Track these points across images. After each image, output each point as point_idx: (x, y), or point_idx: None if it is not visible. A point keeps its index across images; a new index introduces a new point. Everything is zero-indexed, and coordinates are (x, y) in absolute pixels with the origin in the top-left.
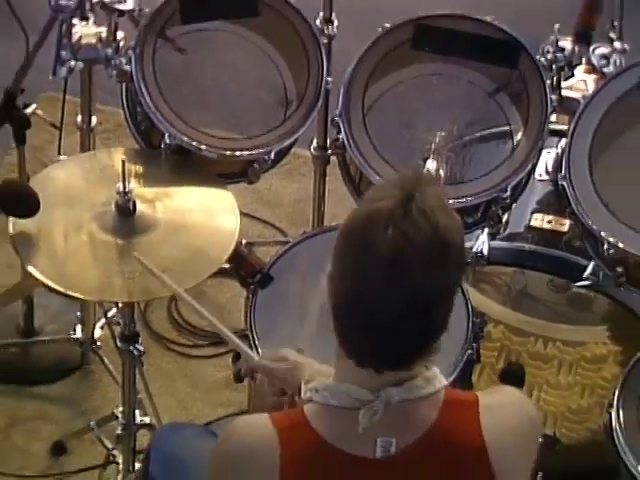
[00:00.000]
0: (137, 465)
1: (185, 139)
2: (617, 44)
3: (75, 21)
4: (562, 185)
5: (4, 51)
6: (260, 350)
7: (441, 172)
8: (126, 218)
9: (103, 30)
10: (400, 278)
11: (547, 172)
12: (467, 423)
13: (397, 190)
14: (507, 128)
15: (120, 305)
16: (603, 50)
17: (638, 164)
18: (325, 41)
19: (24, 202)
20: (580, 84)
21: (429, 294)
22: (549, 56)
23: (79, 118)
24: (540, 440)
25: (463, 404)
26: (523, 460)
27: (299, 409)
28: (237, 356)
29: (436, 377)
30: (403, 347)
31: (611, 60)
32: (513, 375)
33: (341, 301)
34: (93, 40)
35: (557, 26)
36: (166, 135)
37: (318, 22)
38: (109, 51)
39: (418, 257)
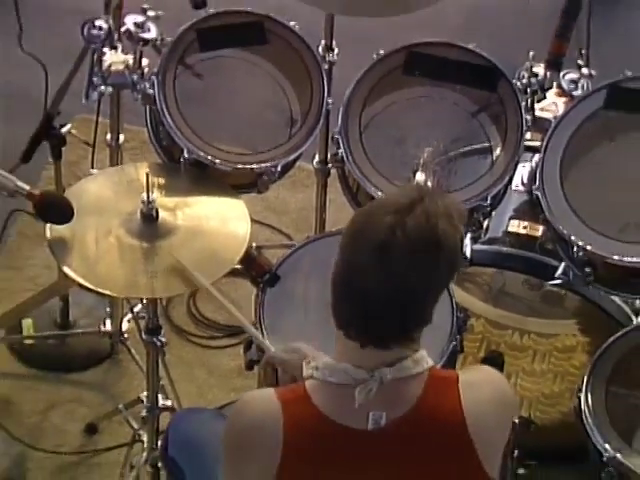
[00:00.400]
0: (159, 444)
1: (202, 154)
2: (584, 70)
3: (105, 50)
4: (536, 195)
5: None
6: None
7: (429, 183)
8: (150, 224)
9: (130, 58)
10: (388, 262)
11: (523, 183)
12: (448, 398)
13: (413, 192)
14: (487, 144)
15: (144, 301)
16: (572, 76)
17: (604, 176)
18: (326, 67)
19: (60, 211)
20: (551, 106)
21: (413, 284)
22: (524, 81)
23: (108, 136)
24: (516, 421)
25: (445, 381)
26: (499, 432)
27: (301, 385)
28: (248, 347)
29: (423, 358)
30: (386, 329)
31: (579, 84)
32: (493, 362)
33: (338, 277)
34: (121, 67)
35: (532, 53)
36: (185, 151)
37: (320, 49)
38: (135, 77)
39: (408, 247)
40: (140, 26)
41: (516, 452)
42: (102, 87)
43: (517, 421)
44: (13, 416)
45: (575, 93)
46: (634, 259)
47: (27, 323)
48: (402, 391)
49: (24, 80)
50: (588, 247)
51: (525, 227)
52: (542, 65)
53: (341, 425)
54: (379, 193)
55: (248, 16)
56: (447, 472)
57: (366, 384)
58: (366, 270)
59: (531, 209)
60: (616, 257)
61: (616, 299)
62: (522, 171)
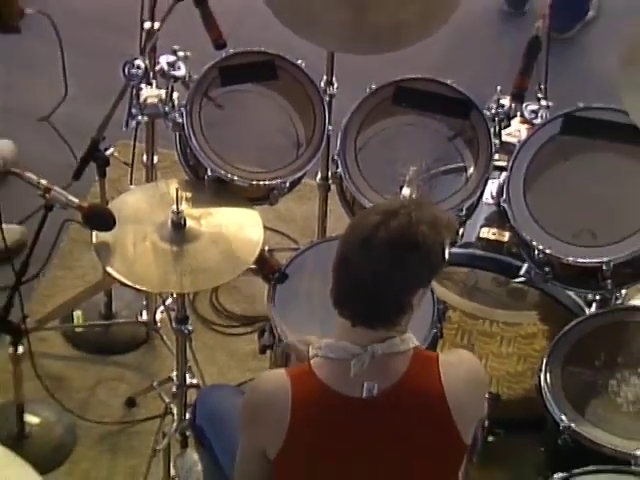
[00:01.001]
0: (187, 415)
1: (222, 172)
2: (543, 102)
3: (142, 86)
4: (503, 207)
5: None
6: (279, 328)
7: (414, 196)
8: (179, 231)
9: (162, 92)
10: (370, 255)
11: (492, 197)
12: (430, 374)
13: (404, 200)
14: (462, 164)
15: (174, 296)
16: (533, 106)
17: (560, 191)
18: (327, 98)
19: (104, 220)
20: (516, 132)
21: (391, 276)
22: (493, 111)
23: (144, 158)
24: (486, 396)
25: (428, 359)
26: (473, 405)
27: (306, 363)
28: (261, 334)
29: (410, 339)
30: (370, 311)
31: (539, 114)
32: None
33: (335, 264)
34: (155, 100)
35: (499, 88)
36: (208, 169)
37: (322, 84)
38: (167, 108)
39: (388, 244)
40: (171, 65)
41: (486, 422)
42: (139, 117)
43: (487, 396)
44: (65, 391)
45: (535, 121)
46: (585, 260)
47: (77, 314)
48: (391, 365)
49: (72, 112)
50: (547, 250)
51: (494, 233)
52: (508, 98)
53: (340, 394)
54: (369, 205)
55: (261, 55)
56: (429, 438)
57: (360, 357)
58: (352, 260)
59: (499, 218)
60: (570, 258)
61: (571, 293)
62: (491, 186)
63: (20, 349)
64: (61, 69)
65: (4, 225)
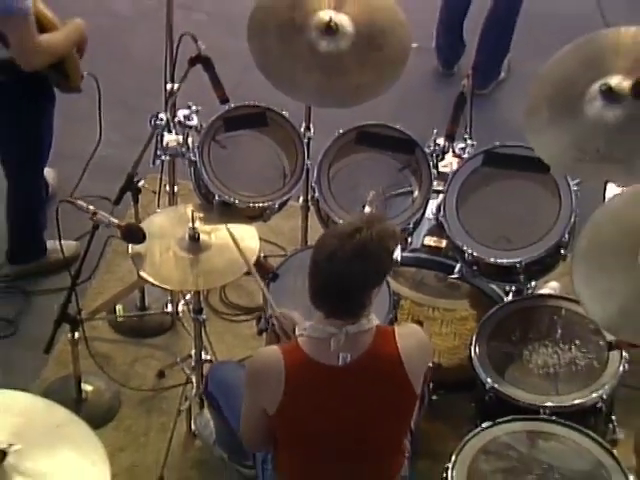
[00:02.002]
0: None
1: (227, 197)
2: (469, 141)
3: (165, 133)
4: (441, 220)
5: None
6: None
7: (372, 213)
8: (194, 243)
9: (180, 138)
10: (332, 266)
11: (432, 213)
12: (389, 344)
13: (358, 222)
14: (409, 189)
15: (192, 292)
16: (461, 145)
17: (483, 208)
18: (306, 140)
19: (137, 236)
20: (449, 164)
21: (350, 280)
22: (431, 148)
23: (167, 187)
24: (431, 365)
25: (387, 333)
26: (422, 365)
27: (294, 341)
28: (258, 321)
29: (373, 319)
30: (337, 307)
31: (466, 150)
32: None
33: (309, 271)
34: (175, 144)
35: (435, 131)
36: (216, 195)
37: (302, 129)
38: (184, 150)
39: (346, 259)
40: (187, 117)
41: (431, 385)
42: (163, 157)
43: (431, 365)
44: (111, 366)
45: (464, 156)
46: (503, 260)
47: (119, 307)
48: (360, 339)
49: (112, 154)
50: (474, 253)
51: (434, 241)
52: (442, 138)
53: (322, 363)
54: (341, 221)
55: (255, 108)
56: (390, 391)
57: (337, 336)
58: (322, 269)
59: (438, 230)
60: (492, 259)
61: (493, 286)
62: (432, 205)
63: (76, 335)
64: (101, 120)
65: (63, 241)
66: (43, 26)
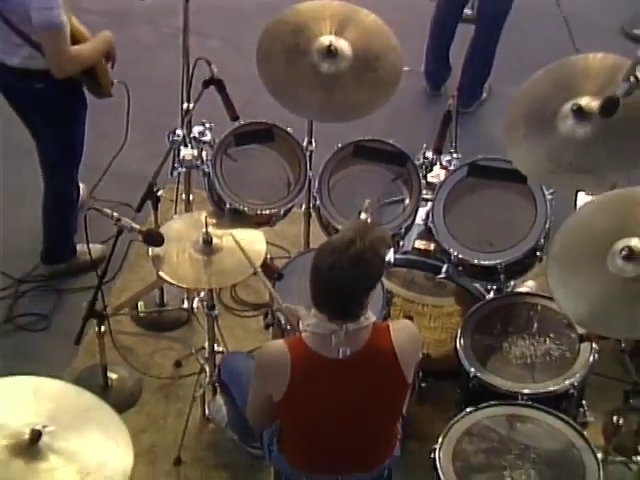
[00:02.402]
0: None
1: (237, 205)
2: (455, 155)
3: (181, 148)
4: (430, 226)
5: None
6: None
7: (368, 220)
8: (207, 246)
9: (195, 152)
10: (333, 275)
11: (422, 219)
12: (384, 338)
13: (359, 230)
14: (401, 198)
15: (206, 290)
16: (448, 157)
17: (468, 214)
18: (308, 153)
19: (156, 239)
20: (437, 175)
21: (350, 286)
22: (421, 161)
23: (184, 196)
24: (420, 355)
25: (382, 329)
26: (413, 356)
27: (298, 335)
28: (265, 316)
29: (370, 317)
30: (337, 310)
31: (452, 163)
32: None
33: (311, 278)
34: (190, 157)
35: (424, 145)
36: (227, 203)
37: (305, 143)
38: (198, 162)
39: (344, 268)
40: (201, 133)
41: (420, 373)
42: (180, 169)
43: (421, 355)
44: (134, 356)
45: (450, 168)
46: (485, 262)
47: (140, 303)
48: (358, 335)
49: (136, 166)
50: (460, 255)
51: (424, 244)
52: (431, 152)
53: (324, 356)
54: (340, 226)
55: (263, 125)
56: (385, 381)
57: (338, 332)
58: (323, 277)
59: (427, 234)
60: (475, 261)
61: (476, 284)
62: (421, 212)
63: (103, 328)
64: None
65: (91, 245)
66: (75, 38)
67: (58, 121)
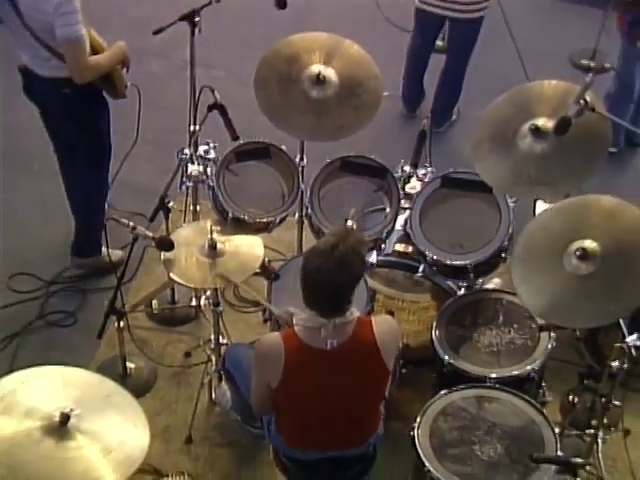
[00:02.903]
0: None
1: (238, 214)
2: (429, 168)
3: (189, 165)
4: (408, 231)
5: None
6: (274, 308)
7: (354, 226)
8: (212, 250)
9: (201, 168)
10: (320, 276)
11: (401, 225)
12: (367, 331)
13: (341, 235)
14: (383, 207)
15: (211, 289)
16: (423, 171)
17: (441, 221)
18: (300, 168)
19: (167, 245)
20: (414, 187)
21: (335, 286)
22: (399, 174)
23: (191, 207)
24: (400, 345)
25: (365, 322)
26: (393, 346)
27: (292, 329)
28: (264, 312)
29: (355, 312)
30: (325, 307)
31: (427, 175)
32: None
33: (301, 280)
34: (197, 173)
35: (402, 160)
36: (230, 213)
37: (297, 159)
38: (204, 177)
39: (330, 270)
40: (206, 152)
41: (401, 361)
42: (188, 183)
43: (401, 345)
44: (149, 348)
45: (425, 180)
46: (457, 262)
47: (154, 302)
48: (344, 328)
49: (148, 181)
50: (434, 257)
51: (403, 247)
52: (408, 166)
53: (314, 347)
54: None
55: (260, 144)
56: (368, 369)
57: (327, 326)
58: (311, 280)
59: (406, 238)
60: (448, 261)
61: (449, 282)
62: (401, 219)
63: (122, 324)
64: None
65: (110, 250)
66: (94, 49)
67: (85, 123)
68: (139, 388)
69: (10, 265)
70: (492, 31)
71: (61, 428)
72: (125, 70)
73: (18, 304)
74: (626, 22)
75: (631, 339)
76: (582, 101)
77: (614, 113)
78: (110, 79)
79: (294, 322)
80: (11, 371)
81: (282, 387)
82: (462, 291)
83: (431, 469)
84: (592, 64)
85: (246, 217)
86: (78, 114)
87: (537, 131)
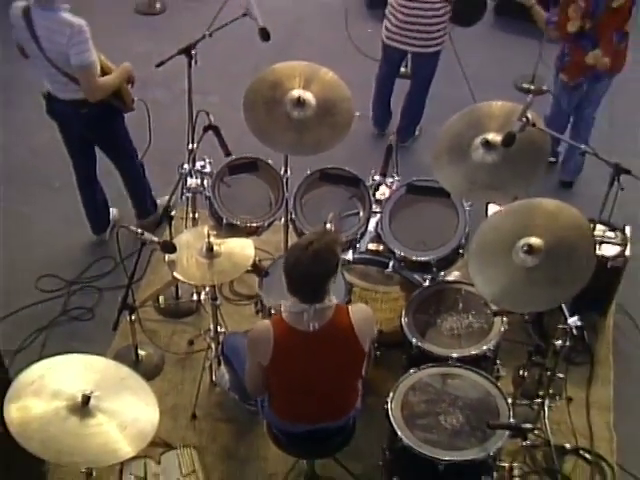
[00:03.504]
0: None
1: (231, 220)
2: (396, 177)
3: (188, 178)
4: (379, 232)
5: None
6: (266, 300)
7: (332, 228)
8: (209, 252)
9: (199, 181)
10: (297, 269)
11: (373, 227)
12: (345, 316)
13: (312, 236)
14: (357, 211)
15: (209, 286)
16: (391, 179)
17: (408, 222)
18: (285, 180)
19: (170, 248)
20: (383, 193)
21: (312, 277)
22: (370, 182)
23: (191, 215)
24: (375, 331)
25: (342, 309)
26: (368, 330)
27: (279, 315)
28: (256, 304)
29: (333, 299)
30: (305, 295)
31: (394, 183)
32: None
33: (284, 272)
34: (195, 185)
35: (373, 170)
36: (224, 219)
37: (282, 172)
38: (201, 188)
39: (306, 264)
40: (203, 167)
41: (375, 344)
42: (187, 194)
43: (376, 331)
44: (157, 338)
45: (393, 187)
46: (421, 258)
47: (161, 297)
48: (324, 312)
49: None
50: (402, 253)
51: (375, 246)
52: (378, 176)
53: (298, 330)
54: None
55: (250, 159)
56: (346, 350)
57: (308, 310)
58: (292, 271)
59: (377, 238)
60: (414, 257)
61: (415, 275)
62: (372, 222)
63: (133, 317)
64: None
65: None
66: (103, 70)
67: (107, 133)
68: (149, 372)
69: (37, 269)
70: (447, 61)
71: (83, 408)
72: (131, 86)
73: (45, 302)
74: (557, 54)
75: (572, 321)
76: (524, 118)
77: (551, 129)
78: (119, 95)
79: (282, 309)
80: (40, 359)
81: (272, 365)
82: (427, 283)
83: (403, 437)
84: (532, 87)
85: (238, 222)
86: (99, 128)
87: (487, 144)
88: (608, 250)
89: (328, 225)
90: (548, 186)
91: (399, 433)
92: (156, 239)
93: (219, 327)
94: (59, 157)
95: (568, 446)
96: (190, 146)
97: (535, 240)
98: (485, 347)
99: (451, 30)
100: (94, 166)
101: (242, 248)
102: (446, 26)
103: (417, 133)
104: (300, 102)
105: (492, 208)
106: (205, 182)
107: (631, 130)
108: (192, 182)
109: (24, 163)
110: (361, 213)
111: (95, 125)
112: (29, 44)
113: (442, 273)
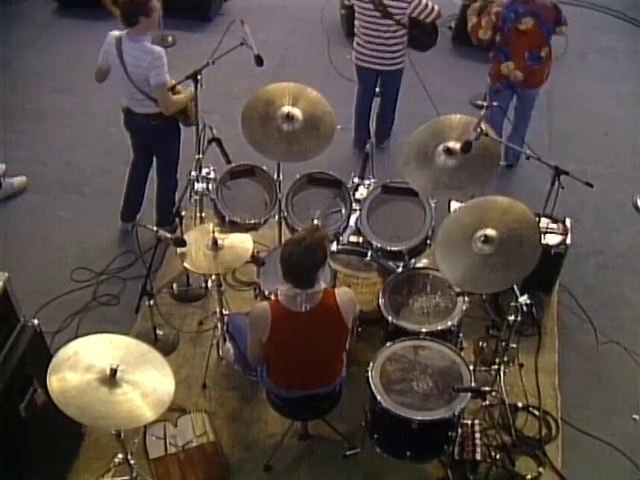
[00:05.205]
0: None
1: (232, 218)
2: (372, 179)
3: (196, 184)
4: (358, 227)
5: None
6: (263, 286)
7: (319, 224)
8: (215, 246)
9: (205, 185)
10: (292, 259)
11: (354, 223)
12: (331, 299)
13: (305, 232)
14: (340, 209)
15: (215, 274)
16: (368, 182)
17: (383, 218)
18: (278, 183)
19: (182, 243)
20: (362, 193)
21: (304, 267)
22: (351, 184)
23: (198, 214)
24: (357, 311)
25: (330, 292)
26: (351, 312)
27: (276, 298)
28: (255, 290)
29: (322, 284)
30: (298, 281)
31: (371, 185)
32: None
33: (280, 262)
34: (201, 189)
35: (352, 174)
36: (226, 217)
37: (275, 176)
38: (207, 192)
39: (299, 255)
40: (208, 173)
41: (357, 322)
42: (195, 197)
43: (358, 311)
44: (172, 319)
45: (370, 187)
46: (395, 248)
47: (175, 285)
48: (314, 296)
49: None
50: (378, 245)
51: (355, 239)
52: (357, 178)
53: (292, 310)
54: (299, 229)
55: (248, 166)
56: (333, 327)
57: (301, 294)
58: (286, 262)
59: (357, 232)
60: (389, 247)
61: (390, 263)
62: (353, 218)
63: (152, 302)
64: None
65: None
66: (173, 90)
67: (166, 143)
68: (166, 349)
69: (71, 262)
70: (414, 82)
71: (111, 379)
72: (194, 105)
73: (78, 290)
74: None
75: (522, 299)
76: (479, 129)
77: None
78: (185, 111)
79: (278, 292)
80: (75, 338)
81: (270, 341)
82: (400, 269)
83: (381, 401)
84: (484, 103)
85: (239, 220)
86: (163, 138)
87: (448, 151)
88: (551, 239)
89: (315, 221)
90: (501, 185)
91: (378, 397)
92: (169, 235)
93: (224, 309)
94: (89, 169)
95: (520, 405)
96: (197, 156)
97: (490, 231)
98: (450, 323)
99: (410, 53)
100: (149, 168)
101: (242, 242)
102: (406, 46)
103: (389, 140)
104: (289, 117)
105: (454, 205)
106: (210, 186)
107: (568, 139)
108: (199, 186)
109: (60, 175)
110: (343, 211)
111: (160, 135)
112: (117, 67)
113: (413, 261)
